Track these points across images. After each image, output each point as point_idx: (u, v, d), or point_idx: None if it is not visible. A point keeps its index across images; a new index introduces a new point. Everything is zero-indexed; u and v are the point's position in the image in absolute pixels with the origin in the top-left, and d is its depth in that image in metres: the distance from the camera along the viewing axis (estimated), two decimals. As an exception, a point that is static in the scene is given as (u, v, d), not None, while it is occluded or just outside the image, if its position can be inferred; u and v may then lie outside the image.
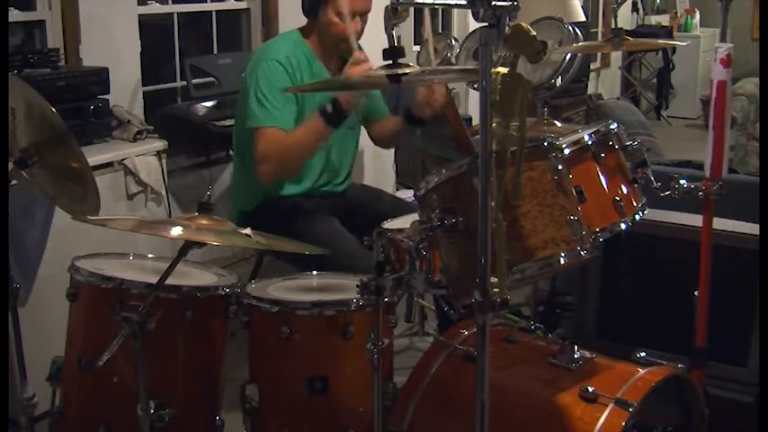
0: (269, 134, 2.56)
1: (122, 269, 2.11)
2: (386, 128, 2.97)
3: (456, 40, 3.38)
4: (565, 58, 3.02)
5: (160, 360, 1.96)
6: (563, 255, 1.65)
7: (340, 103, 2.43)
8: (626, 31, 3.05)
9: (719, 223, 2.26)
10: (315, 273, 2.33)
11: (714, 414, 2.01)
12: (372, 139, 3.04)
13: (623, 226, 1.83)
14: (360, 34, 2.69)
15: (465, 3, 1.30)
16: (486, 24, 1.31)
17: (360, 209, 2.84)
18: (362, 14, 2.68)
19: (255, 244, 1.90)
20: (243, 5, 4.26)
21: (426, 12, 2.94)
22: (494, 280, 1.40)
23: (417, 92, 2.65)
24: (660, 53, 8.41)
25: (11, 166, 1.99)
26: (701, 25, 8.94)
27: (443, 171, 1.67)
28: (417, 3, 4.36)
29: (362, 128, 2.96)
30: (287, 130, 2.56)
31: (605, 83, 8.27)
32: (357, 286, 1.75)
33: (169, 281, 1.84)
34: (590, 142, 1.83)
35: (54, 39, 3.21)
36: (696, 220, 2.20)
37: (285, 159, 2.58)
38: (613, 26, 7.55)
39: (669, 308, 2.51)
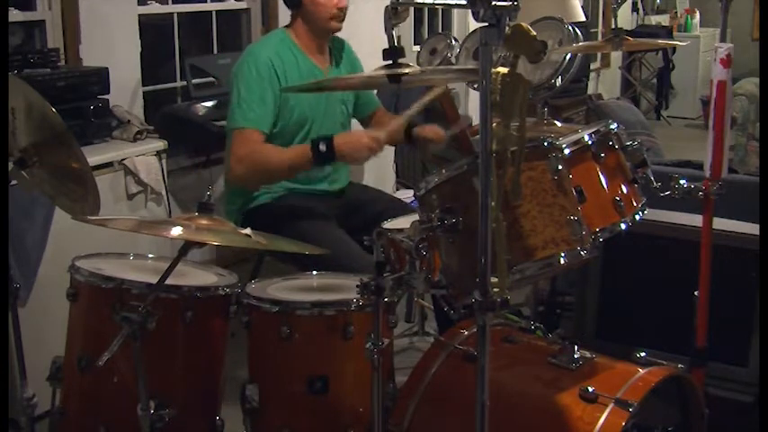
0: (245, 135, 2.56)
1: (122, 269, 2.11)
2: (382, 125, 2.96)
3: (456, 40, 3.37)
4: (565, 58, 3.01)
5: (160, 360, 1.96)
6: (563, 255, 1.65)
7: (334, 147, 2.44)
8: (626, 31, 3.05)
9: (719, 223, 2.26)
10: (315, 273, 2.33)
11: (714, 414, 2.01)
12: None
13: (623, 226, 1.82)
14: (345, 10, 2.70)
15: (465, 3, 1.30)
16: (486, 24, 1.31)
17: (359, 209, 2.84)
18: None
19: (255, 244, 1.90)
20: (243, 5, 4.27)
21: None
22: (494, 280, 1.40)
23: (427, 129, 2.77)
24: (660, 53, 8.42)
25: (11, 166, 1.99)
26: (700, 25, 8.95)
27: (443, 171, 1.67)
28: (417, 3, 4.37)
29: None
30: (263, 132, 2.57)
31: (605, 83, 8.27)
32: (357, 286, 1.75)
33: (169, 281, 1.84)
34: (590, 142, 1.83)
35: (54, 39, 3.21)
36: (696, 220, 2.20)
37: (257, 167, 2.58)
38: (613, 26, 7.55)
39: (669, 308, 2.51)
